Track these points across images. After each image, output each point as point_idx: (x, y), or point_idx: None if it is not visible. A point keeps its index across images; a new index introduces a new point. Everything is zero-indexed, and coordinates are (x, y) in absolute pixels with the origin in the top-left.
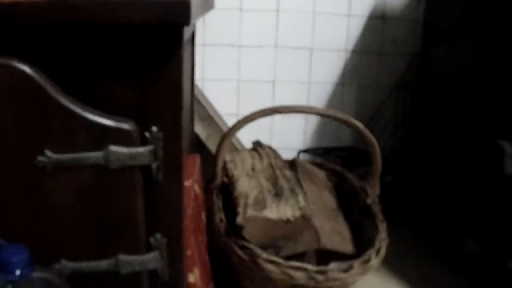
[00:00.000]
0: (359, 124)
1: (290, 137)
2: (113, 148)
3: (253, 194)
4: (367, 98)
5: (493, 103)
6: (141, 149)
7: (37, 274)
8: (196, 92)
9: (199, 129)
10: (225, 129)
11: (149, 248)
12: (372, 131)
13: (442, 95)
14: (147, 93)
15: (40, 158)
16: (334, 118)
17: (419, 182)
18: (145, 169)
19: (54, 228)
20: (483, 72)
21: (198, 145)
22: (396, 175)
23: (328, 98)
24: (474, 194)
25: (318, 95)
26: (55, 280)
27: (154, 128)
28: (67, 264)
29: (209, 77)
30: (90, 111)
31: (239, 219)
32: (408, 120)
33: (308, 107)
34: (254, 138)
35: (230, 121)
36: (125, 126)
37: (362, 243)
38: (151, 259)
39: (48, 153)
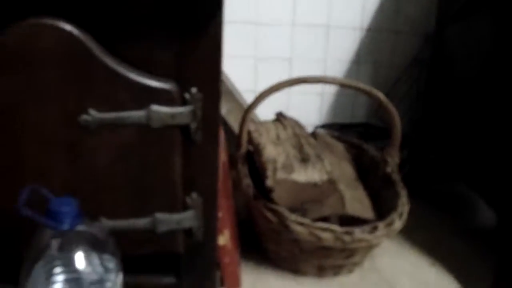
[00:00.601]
0: (380, 94)
1: (306, 113)
2: (155, 107)
3: (280, 159)
4: (382, 76)
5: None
6: (181, 109)
7: (84, 227)
8: None
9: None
10: (244, 105)
11: (185, 207)
12: None
13: (457, 72)
14: (187, 55)
15: (84, 116)
16: (356, 89)
17: (433, 158)
18: (184, 129)
19: (95, 186)
20: (500, 49)
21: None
22: (411, 151)
23: (344, 76)
24: (490, 168)
25: (334, 72)
26: (100, 235)
27: (194, 89)
28: (106, 222)
29: (227, 54)
30: (133, 72)
31: (269, 182)
32: (422, 98)
33: (333, 78)
34: (270, 114)
35: (247, 98)
36: (167, 86)
37: (383, 211)
38: (187, 218)
39: (92, 112)
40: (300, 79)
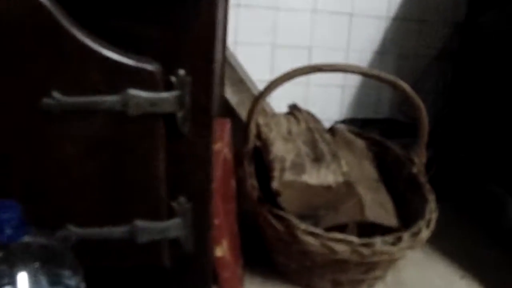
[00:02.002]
0: (405, 86)
1: (326, 107)
2: (133, 91)
3: (290, 157)
4: (407, 68)
5: None
6: (165, 95)
7: (33, 239)
8: (227, 55)
9: (230, 95)
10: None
11: (171, 214)
12: None
13: (490, 65)
14: (174, 31)
15: (46, 100)
16: (379, 79)
17: (461, 156)
18: (169, 119)
19: (60, 185)
20: None
21: (228, 112)
22: (437, 149)
23: (367, 67)
24: None
25: (356, 63)
26: (57, 247)
27: (181, 71)
28: (74, 230)
29: (242, 40)
30: (107, 47)
31: (275, 184)
32: (449, 92)
33: (353, 66)
34: (287, 108)
35: (262, 88)
36: (148, 66)
37: (407, 217)
38: (173, 227)
39: (56, 94)
40: (316, 66)
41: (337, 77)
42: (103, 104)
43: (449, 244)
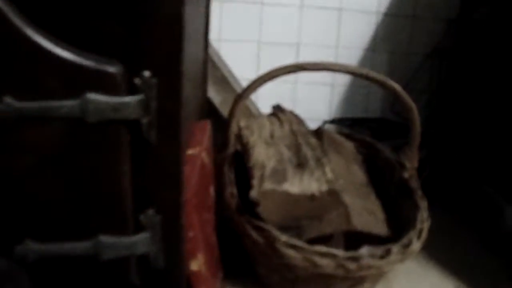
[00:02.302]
0: (396, 86)
1: (315, 106)
2: (92, 96)
3: (271, 164)
4: (398, 66)
5: None
6: (127, 99)
7: None
8: (210, 52)
9: (213, 94)
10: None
11: (139, 228)
12: None
13: (484, 62)
14: (138, 28)
15: None
16: (368, 78)
17: (455, 158)
18: (133, 126)
19: (15, 198)
20: None
21: (211, 112)
22: (430, 151)
23: (357, 64)
24: None
25: (346, 60)
26: (9, 268)
27: (146, 73)
28: (33, 246)
29: (227, 37)
30: (63, 47)
31: (254, 193)
32: (443, 91)
33: (339, 65)
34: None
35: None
36: (108, 68)
37: (398, 224)
38: (140, 242)
39: (8, 100)
40: (299, 65)
41: (326, 75)
42: (60, 110)
43: (442, 252)
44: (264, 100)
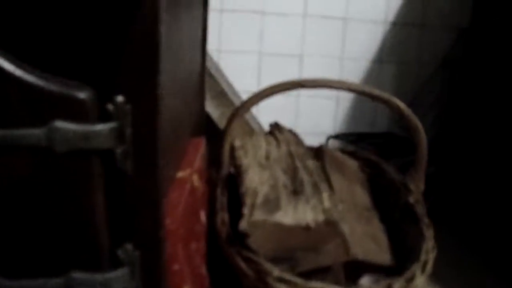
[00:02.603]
0: (401, 104)
1: (319, 120)
2: (60, 124)
3: (264, 190)
4: (407, 78)
5: None
6: (99, 127)
7: None
8: (209, 65)
9: (211, 108)
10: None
11: (116, 263)
12: None
13: (497, 74)
14: (109, 50)
15: None
16: (371, 96)
17: (466, 176)
18: (107, 155)
19: None
20: None
21: (209, 127)
22: (439, 168)
23: (363, 77)
24: None
25: (352, 72)
26: None
27: (120, 98)
28: (1, 283)
29: (227, 48)
30: (28, 71)
31: (243, 225)
32: (454, 104)
33: (339, 82)
34: (278, 121)
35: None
36: (77, 93)
37: (403, 252)
38: (117, 278)
39: None
40: (297, 82)
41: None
42: (26, 139)
43: (449, 275)
44: (265, 113)
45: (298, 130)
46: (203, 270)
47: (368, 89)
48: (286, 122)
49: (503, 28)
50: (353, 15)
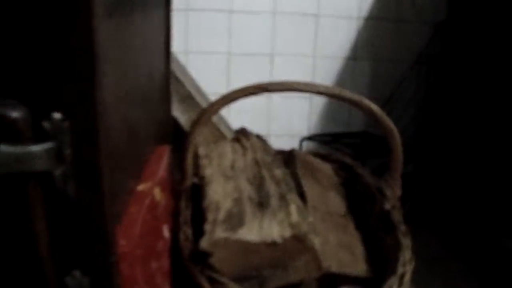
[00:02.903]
0: (373, 106)
1: (292, 121)
2: None
3: (227, 204)
4: (383, 75)
5: None
6: (34, 148)
7: None
8: (174, 67)
9: (178, 112)
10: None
11: None
12: (389, 114)
13: (474, 69)
14: (43, 64)
15: None
16: (341, 99)
17: (444, 174)
18: (46, 178)
19: None
20: None
21: (177, 132)
22: (417, 166)
23: (337, 75)
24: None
25: (325, 71)
26: None
27: (57, 116)
28: None
29: (194, 49)
30: None
31: (204, 243)
32: (431, 101)
33: (307, 84)
34: (249, 124)
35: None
36: (9, 112)
37: (379, 261)
38: None
39: None
40: (261, 86)
41: None
42: None
43: (427, 280)
44: (236, 116)
45: (271, 132)
46: None
47: (338, 91)
48: (258, 124)
49: (479, 22)
50: (325, 11)
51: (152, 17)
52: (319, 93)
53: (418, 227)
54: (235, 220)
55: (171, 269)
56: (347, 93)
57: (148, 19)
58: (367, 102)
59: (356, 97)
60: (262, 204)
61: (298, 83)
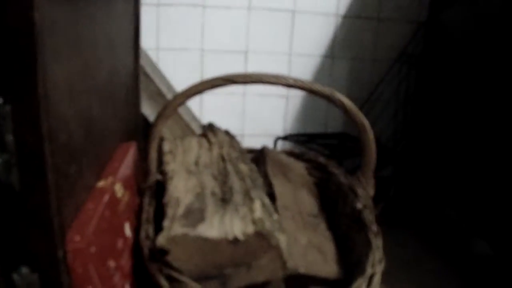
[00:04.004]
0: (344, 100)
1: (268, 121)
2: None
3: (187, 199)
4: (362, 74)
5: None
6: None
7: None
8: (144, 64)
9: (147, 109)
10: (181, 110)
11: None
12: (367, 114)
13: (456, 69)
14: None
15: None
16: (312, 92)
17: (423, 176)
18: None
19: None
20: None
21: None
22: (396, 168)
23: (314, 74)
24: (492, 190)
25: (301, 69)
26: None
27: None
28: None
29: (165, 46)
30: None
31: (161, 240)
32: (411, 101)
33: (276, 77)
34: (224, 124)
35: (191, 101)
36: None
37: (350, 261)
38: None
39: None
40: (228, 78)
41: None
42: None
43: (405, 278)
44: (209, 115)
45: (246, 132)
46: None
47: (309, 84)
48: (232, 123)
49: (461, 21)
50: (302, 7)
51: (117, 11)
52: (289, 85)
53: (396, 228)
54: (195, 216)
55: (132, 269)
56: (318, 87)
57: (113, 14)
58: (338, 95)
59: (327, 90)
60: (225, 200)
61: (267, 75)
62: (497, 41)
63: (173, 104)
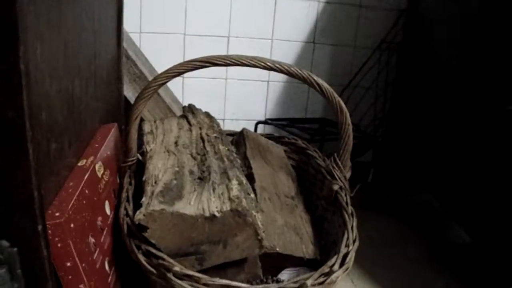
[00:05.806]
0: (321, 83)
1: (249, 105)
2: None
3: (166, 178)
4: (343, 60)
5: (504, 64)
6: None
7: None
8: (127, 46)
9: (130, 92)
10: (163, 93)
11: None
12: (347, 101)
13: (436, 57)
14: None
15: None
16: (290, 74)
17: (402, 162)
18: None
19: None
20: (490, 26)
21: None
22: (376, 154)
23: (295, 59)
24: (471, 178)
25: (283, 54)
26: None
27: None
28: None
29: (148, 30)
30: None
31: (139, 215)
32: (391, 88)
33: (254, 59)
34: (206, 107)
35: (173, 84)
36: None
37: (326, 242)
38: None
39: None
40: (206, 60)
41: (260, 70)
42: None
43: (383, 264)
44: (192, 99)
45: (227, 116)
46: (105, 266)
47: (286, 67)
48: (214, 107)
49: (441, 9)
50: None
51: None
52: (267, 68)
53: (373, 213)
54: (173, 193)
55: (112, 246)
56: (296, 69)
57: None
58: (315, 78)
59: (304, 73)
60: (203, 179)
61: (246, 57)
62: (477, 28)
63: (153, 85)
